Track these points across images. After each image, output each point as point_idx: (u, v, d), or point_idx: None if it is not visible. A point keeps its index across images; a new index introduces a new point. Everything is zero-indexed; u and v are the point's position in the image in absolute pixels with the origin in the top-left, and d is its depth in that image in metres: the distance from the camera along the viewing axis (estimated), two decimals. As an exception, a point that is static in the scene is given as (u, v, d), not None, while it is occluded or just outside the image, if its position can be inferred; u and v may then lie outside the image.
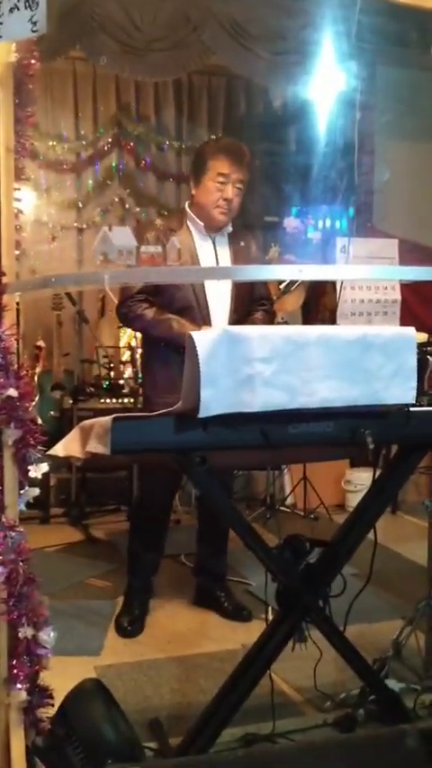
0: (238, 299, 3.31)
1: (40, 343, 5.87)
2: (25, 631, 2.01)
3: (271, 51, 5.32)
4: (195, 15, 5.17)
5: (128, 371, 5.66)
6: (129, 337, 5.86)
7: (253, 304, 3.42)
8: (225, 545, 3.61)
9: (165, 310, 3.21)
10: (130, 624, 3.39)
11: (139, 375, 5.31)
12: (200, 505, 3.86)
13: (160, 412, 1.97)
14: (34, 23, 1.99)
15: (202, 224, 3.27)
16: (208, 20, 5.17)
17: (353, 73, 5.31)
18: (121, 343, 6.02)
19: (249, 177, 3.32)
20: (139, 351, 5.50)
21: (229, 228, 3.35)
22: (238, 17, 5.21)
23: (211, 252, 3.28)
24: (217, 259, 3.28)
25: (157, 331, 3.22)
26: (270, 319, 3.51)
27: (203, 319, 3.21)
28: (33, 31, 2.00)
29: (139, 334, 4.75)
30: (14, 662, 2.02)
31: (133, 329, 3.40)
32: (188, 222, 3.31)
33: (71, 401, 5.20)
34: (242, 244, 3.39)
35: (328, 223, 5.66)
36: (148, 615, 3.50)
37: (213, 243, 3.29)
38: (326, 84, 5.17)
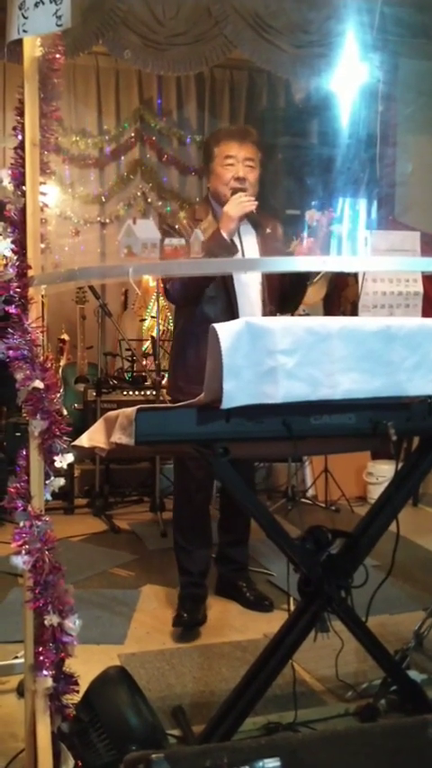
0: (269, 289, 3.28)
1: (65, 336, 5.96)
2: (51, 619, 2.04)
3: (293, 44, 5.31)
4: (217, 9, 5.18)
5: (150, 364, 5.70)
6: (150, 329, 5.90)
7: (285, 301, 3.35)
8: (247, 535, 3.62)
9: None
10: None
11: (163, 366, 5.35)
12: (222, 496, 3.86)
13: (184, 403, 1.99)
14: (59, 18, 2.01)
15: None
16: (230, 13, 5.18)
17: (375, 64, 5.30)
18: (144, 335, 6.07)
19: (269, 164, 3.24)
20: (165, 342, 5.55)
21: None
22: (260, 10, 5.21)
23: (236, 240, 3.17)
24: (242, 247, 3.16)
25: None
26: None
27: (231, 309, 3.17)
28: (58, 26, 2.02)
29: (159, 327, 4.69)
30: (40, 649, 2.05)
31: (174, 295, 3.27)
32: (212, 212, 3.27)
33: (95, 393, 5.24)
34: (268, 231, 3.31)
35: (349, 216, 5.65)
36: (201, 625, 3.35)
37: (238, 231, 3.16)
38: (348, 76, 5.17)
